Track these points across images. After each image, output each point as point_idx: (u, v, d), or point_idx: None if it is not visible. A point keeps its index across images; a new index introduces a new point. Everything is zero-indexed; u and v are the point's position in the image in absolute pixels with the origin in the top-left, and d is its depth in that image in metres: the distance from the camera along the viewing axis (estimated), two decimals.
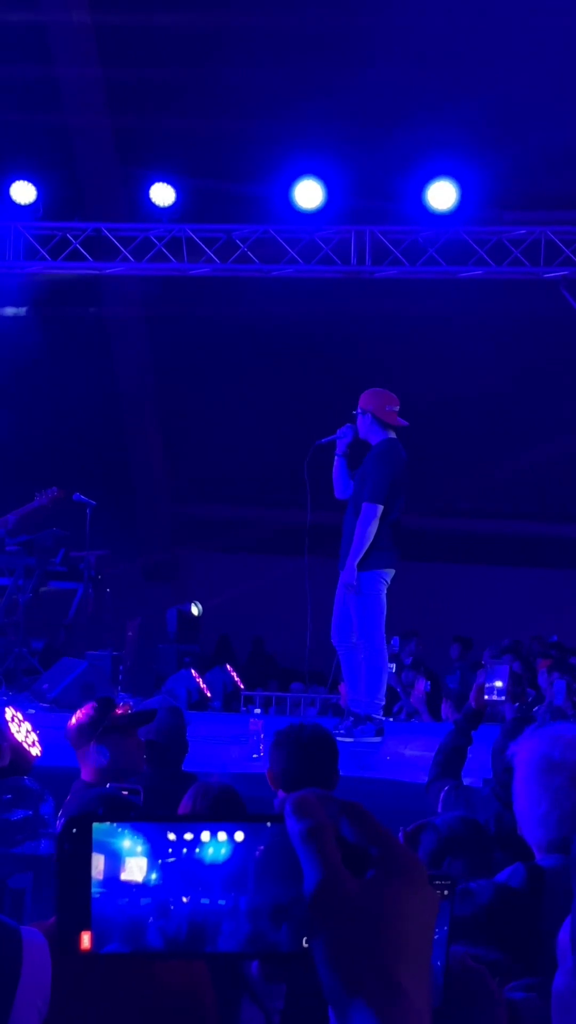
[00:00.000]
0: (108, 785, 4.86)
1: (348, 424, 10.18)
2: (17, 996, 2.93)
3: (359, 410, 10.07)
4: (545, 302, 14.44)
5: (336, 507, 10.24)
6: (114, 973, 3.45)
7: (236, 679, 15.22)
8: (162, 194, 14.21)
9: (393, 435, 10.01)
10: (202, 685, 14.02)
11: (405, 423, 10.03)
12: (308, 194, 13.89)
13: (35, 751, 6.52)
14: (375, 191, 14.28)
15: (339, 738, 9.43)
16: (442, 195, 13.75)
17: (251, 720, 9.51)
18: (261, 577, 18.54)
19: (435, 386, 16.48)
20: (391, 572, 9.95)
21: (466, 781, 8.26)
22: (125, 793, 4.48)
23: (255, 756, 8.99)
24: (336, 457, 10.29)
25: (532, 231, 13.93)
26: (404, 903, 1.09)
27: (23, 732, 6.51)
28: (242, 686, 14.85)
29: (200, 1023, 3.60)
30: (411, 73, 14.47)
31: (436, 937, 2.43)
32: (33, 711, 10.76)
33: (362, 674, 9.99)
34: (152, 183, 14.24)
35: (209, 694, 14.14)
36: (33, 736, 6.71)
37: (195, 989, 3.62)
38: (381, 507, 9.75)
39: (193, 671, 14.18)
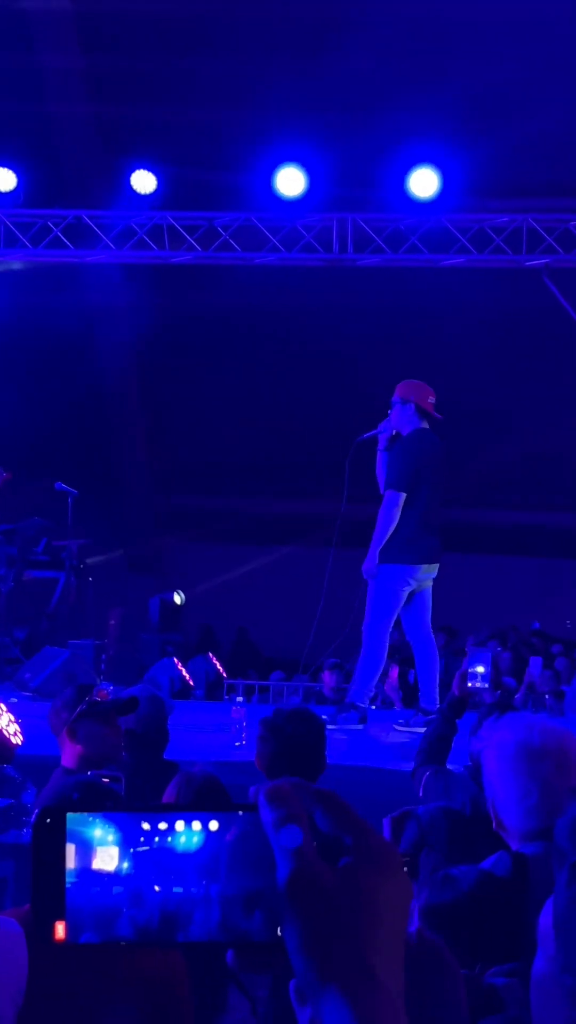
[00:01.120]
0: (89, 773, 4.85)
1: (386, 419, 10.18)
2: None
3: (398, 398, 10.09)
4: (527, 290, 14.43)
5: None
6: (90, 962, 3.44)
7: (219, 668, 15.22)
8: (143, 181, 14.17)
9: (427, 426, 10.05)
10: (185, 674, 14.02)
11: (440, 417, 10.08)
12: (290, 182, 13.86)
13: (17, 740, 6.52)
14: (357, 179, 14.25)
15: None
16: (424, 183, 13.75)
17: (234, 708, 9.51)
18: (243, 567, 18.53)
19: (417, 374, 16.46)
20: (419, 568, 9.88)
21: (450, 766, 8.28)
22: (106, 781, 4.48)
23: (238, 744, 9.01)
24: (379, 452, 10.27)
25: (514, 219, 13.93)
26: (378, 891, 1.09)
27: (5, 721, 6.51)
28: (225, 675, 14.85)
29: (176, 1011, 3.60)
30: (393, 60, 14.44)
31: None
32: (15, 700, 10.76)
33: (359, 664, 10.02)
34: (133, 170, 14.20)
35: (192, 683, 14.14)
36: (15, 725, 6.70)
37: (171, 977, 3.62)
38: (404, 495, 9.74)
39: (176, 660, 14.18)
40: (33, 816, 5.39)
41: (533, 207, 14.03)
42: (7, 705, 7.02)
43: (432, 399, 10.09)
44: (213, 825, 1.16)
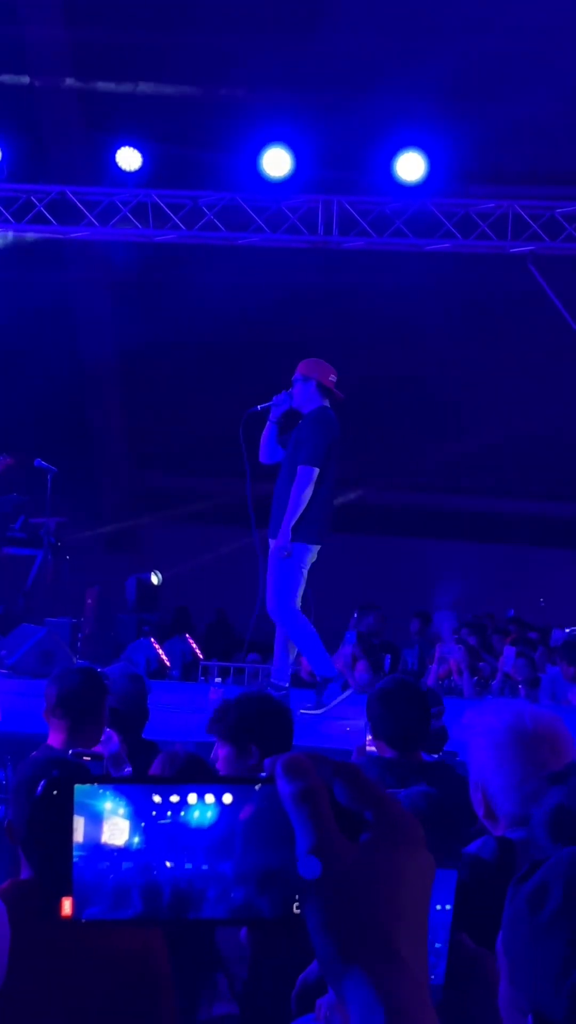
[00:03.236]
0: (71, 752, 4.82)
1: (285, 392, 10.06)
2: None
3: (300, 376, 9.99)
4: (511, 276, 14.43)
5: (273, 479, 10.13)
6: (70, 937, 3.42)
7: (195, 649, 15.20)
8: (128, 159, 14.10)
9: (328, 404, 9.97)
10: (161, 654, 13.99)
11: (342, 395, 10.00)
12: (276, 162, 13.81)
13: None
14: (343, 161, 14.21)
15: (309, 712, 9.47)
16: (411, 166, 13.71)
17: (211, 688, 9.49)
18: (220, 548, 18.50)
19: (399, 359, 16.47)
20: (317, 548, 9.84)
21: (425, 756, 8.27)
22: (87, 759, 4.44)
23: None
24: (268, 423, 10.16)
25: (500, 205, 13.91)
26: (401, 867, 1.06)
27: None
28: (201, 656, 14.83)
29: (154, 987, 3.59)
30: (381, 42, 14.39)
31: (440, 915, 2.39)
32: None
33: (297, 645, 9.96)
34: (118, 147, 14.12)
35: (168, 663, 14.11)
36: None
37: (149, 952, 3.60)
38: (317, 470, 9.67)
39: (153, 640, 14.15)
40: (9, 793, 5.35)
41: (519, 193, 14.03)
42: None
43: (333, 377, 10.01)
44: (227, 799, 1.12)
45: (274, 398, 10.09)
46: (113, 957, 3.56)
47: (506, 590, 18.97)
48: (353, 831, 1.07)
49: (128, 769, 5.29)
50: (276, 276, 15.78)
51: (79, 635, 13.99)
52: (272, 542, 9.82)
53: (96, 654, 13.32)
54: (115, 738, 5.37)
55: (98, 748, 5.15)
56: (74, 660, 11.84)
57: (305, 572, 9.78)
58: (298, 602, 9.79)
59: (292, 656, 10.11)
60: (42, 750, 5.27)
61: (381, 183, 13.87)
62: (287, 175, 13.83)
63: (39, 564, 14.96)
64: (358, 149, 14.10)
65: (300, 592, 9.79)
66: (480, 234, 13.95)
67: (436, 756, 6.20)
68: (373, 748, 5.42)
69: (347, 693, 9.94)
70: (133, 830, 1.11)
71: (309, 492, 9.65)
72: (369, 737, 5.52)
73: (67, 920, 1.11)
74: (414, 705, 5.36)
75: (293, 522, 9.65)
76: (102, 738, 5.31)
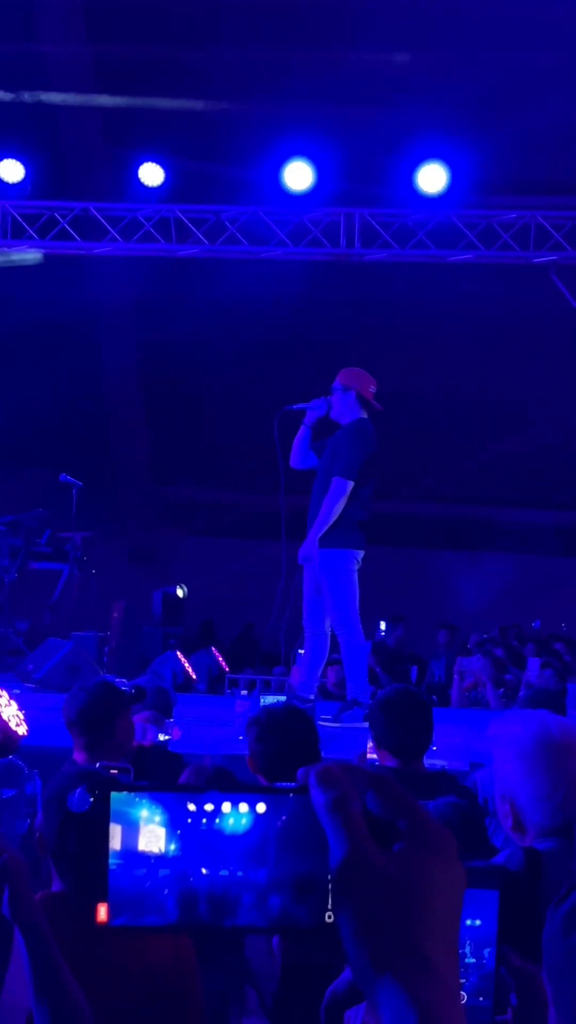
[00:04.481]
0: (98, 764, 4.83)
1: (323, 398, 10.02)
2: (9, 970, 2.92)
3: (339, 386, 9.94)
4: (534, 287, 14.41)
5: (307, 490, 10.11)
6: (101, 950, 3.44)
7: (221, 662, 15.20)
8: (151, 174, 14.14)
9: (366, 415, 9.92)
10: (187, 667, 13.99)
11: (380, 407, 9.96)
12: (298, 176, 13.83)
13: (21, 730, 6.49)
14: (365, 174, 14.22)
15: (326, 723, 9.43)
16: (432, 178, 13.72)
17: (238, 702, 9.48)
18: (245, 560, 18.51)
19: (423, 370, 16.47)
20: (361, 553, 9.81)
21: (451, 765, 8.27)
22: (114, 772, 4.45)
23: (241, 738, 8.97)
24: (303, 427, 10.13)
25: (522, 215, 13.90)
26: (433, 877, 1.06)
27: (9, 711, 6.48)
28: (227, 669, 14.82)
29: (184, 1000, 3.60)
30: (402, 55, 14.41)
31: (484, 935, 2.38)
32: (18, 691, 10.72)
33: (344, 659, 9.93)
34: (141, 163, 14.17)
35: (194, 676, 14.11)
36: (19, 716, 6.67)
37: (179, 967, 3.61)
38: (352, 483, 9.65)
39: (178, 653, 14.16)
40: (39, 807, 5.37)
41: (541, 204, 14.00)
42: (11, 696, 6.99)
43: (373, 388, 9.96)
44: (261, 807, 1.13)
45: (312, 402, 10.03)
46: (143, 970, 3.57)
47: (532, 601, 18.93)
48: (386, 840, 1.08)
49: None
50: (299, 289, 15.81)
51: (105, 649, 14.00)
52: (302, 548, 9.80)
53: (122, 668, 13.33)
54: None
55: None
56: (101, 674, 11.86)
57: (355, 578, 9.73)
58: (357, 610, 9.75)
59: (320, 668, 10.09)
60: (69, 764, 5.29)
61: (403, 195, 13.88)
62: (309, 188, 13.85)
63: (65, 578, 15.01)
64: (379, 161, 14.11)
65: (357, 598, 9.75)
66: (502, 245, 13.94)
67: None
68: (375, 756, 5.41)
69: (367, 724, 9.88)
70: (169, 837, 1.13)
71: (341, 505, 9.61)
72: (371, 745, 5.51)
73: (102, 926, 1.12)
74: (416, 714, 5.35)
75: (320, 533, 9.62)
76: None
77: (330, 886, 1.08)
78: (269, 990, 3.95)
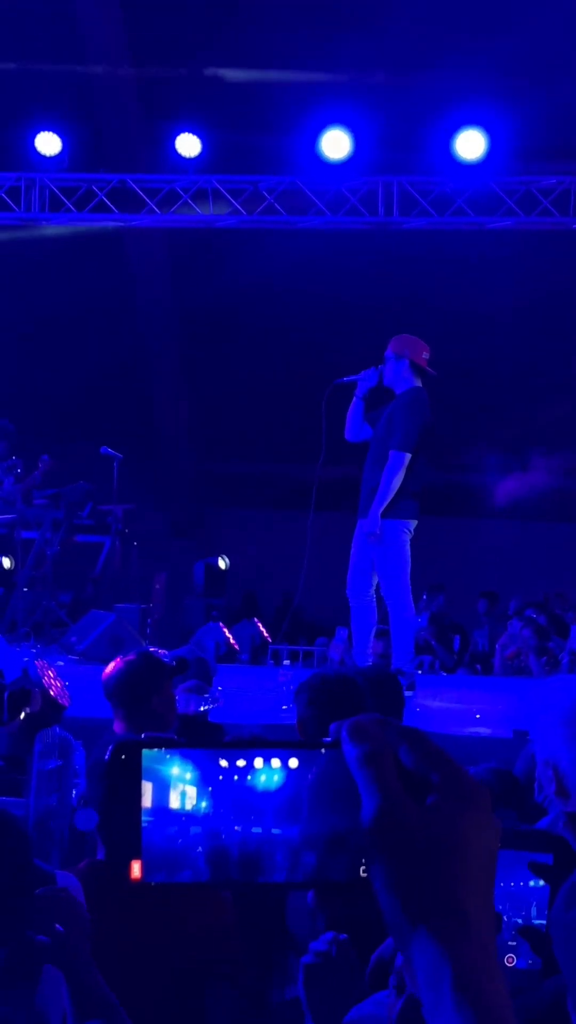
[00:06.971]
0: (143, 735, 4.86)
1: (372, 367, 9.92)
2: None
3: (391, 354, 9.81)
4: (575, 252, 14.31)
5: (349, 461, 10.05)
6: (146, 916, 3.46)
7: (264, 632, 15.23)
8: (188, 145, 14.10)
9: (420, 384, 9.81)
10: (230, 638, 14.03)
11: (434, 373, 9.85)
12: (335, 144, 13.76)
13: (65, 701, 6.52)
14: (403, 141, 14.13)
15: None
16: (471, 145, 13.63)
17: (280, 671, 9.50)
18: (286, 532, 18.49)
19: (464, 338, 16.36)
20: (414, 523, 9.74)
21: (495, 733, 8.27)
22: None
23: (285, 708, 8.99)
24: (355, 399, 10.01)
25: (562, 181, 13.80)
26: (467, 830, 1.06)
27: (53, 682, 6.52)
28: (269, 639, 14.85)
29: (226, 967, 3.62)
30: (439, 20, 14.28)
31: (538, 894, 2.38)
32: (62, 663, 10.79)
33: (392, 629, 9.89)
34: (177, 134, 14.13)
35: (237, 647, 14.15)
36: (62, 686, 6.71)
37: (222, 935, 3.64)
38: (409, 455, 9.55)
39: (221, 624, 14.20)
40: (82, 778, 5.41)
41: None
42: (54, 668, 7.03)
43: (427, 355, 9.83)
44: (293, 763, 1.13)
45: (362, 373, 9.90)
46: (187, 937, 3.59)
47: (572, 570, 18.83)
48: (419, 794, 1.07)
49: None
50: (337, 259, 15.76)
51: (148, 620, 14.05)
52: (362, 523, 9.73)
53: (165, 639, 13.38)
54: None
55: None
56: (143, 645, 11.91)
57: (408, 548, 9.66)
58: (408, 581, 9.68)
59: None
60: (109, 735, 5.32)
61: (441, 162, 13.80)
62: (346, 157, 13.78)
63: (107, 551, 15.05)
64: (417, 129, 14.02)
65: (408, 569, 9.68)
66: (542, 211, 13.85)
67: None
68: None
69: (410, 693, 9.85)
70: (200, 795, 1.12)
71: (400, 478, 9.51)
72: None
73: (136, 884, 1.12)
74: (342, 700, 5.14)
75: (382, 508, 9.52)
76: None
77: (363, 840, 1.08)
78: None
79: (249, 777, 1.12)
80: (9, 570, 14.33)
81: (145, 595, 15.55)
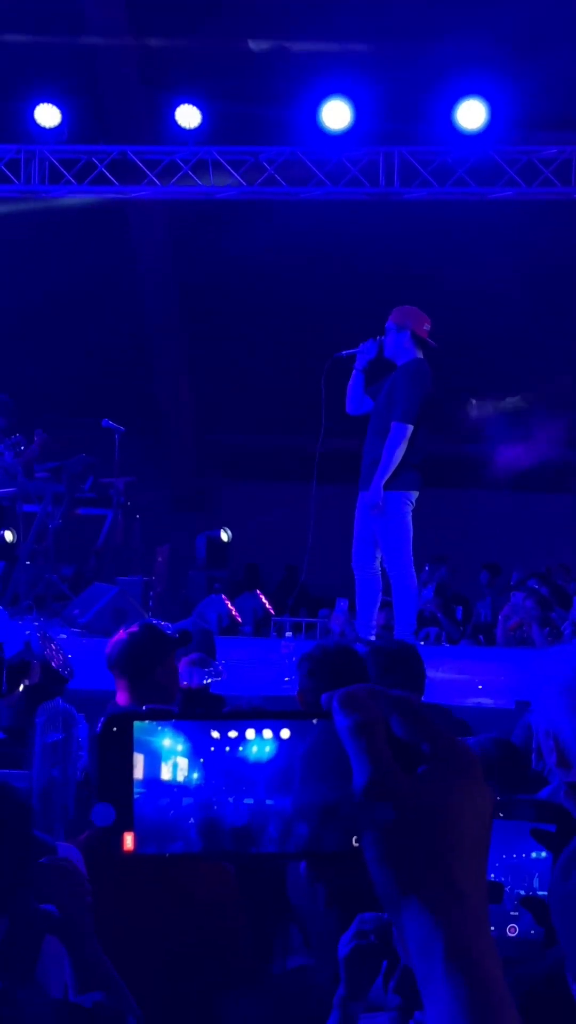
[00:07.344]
0: (144, 707, 4.86)
1: (372, 340, 9.88)
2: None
3: (392, 325, 9.77)
4: None
5: (349, 433, 10.03)
6: (147, 886, 3.47)
7: (266, 604, 15.25)
8: (188, 116, 14.05)
9: (421, 355, 9.78)
10: (233, 610, 14.05)
11: (435, 344, 9.82)
12: (336, 115, 13.71)
13: (67, 673, 6.53)
14: (404, 111, 14.07)
15: None
16: (472, 115, 13.57)
17: (283, 643, 9.52)
18: (289, 504, 18.48)
19: (465, 309, 16.31)
20: (416, 494, 9.72)
21: (497, 703, 8.28)
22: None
23: (287, 679, 9.00)
24: (355, 372, 9.98)
25: (563, 150, 13.75)
26: (459, 800, 1.05)
27: (55, 655, 6.52)
28: (272, 612, 14.87)
29: (228, 937, 3.63)
30: None
31: (541, 865, 2.38)
32: (64, 636, 10.80)
33: (395, 601, 9.89)
34: (177, 105, 14.08)
35: (240, 619, 14.17)
36: (65, 659, 6.71)
37: (223, 905, 3.65)
38: (411, 427, 9.53)
39: (224, 596, 14.22)
40: (84, 751, 5.42)
41: None
42: (57, 640, 7.03)
43: (428, 326, 9.79)
44: (285, 733, 1.13)
45: (360, 345, 9.87)
46: (188, 907, 3.60)
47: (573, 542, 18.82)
48: (410, 764, 1.07)
49: None
50: (338, 230, 15.70)
51: (150, 593, 14.06)
52: (364, 495, 9.72)
53: (167, 612, 13.40)
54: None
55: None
56: (146, 618, 11.92)
57: (410, 520, 9.65)
58: (411, 552, 9.67)
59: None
60: (111, 706, 5.33)
61: (442, 132, 13.74)
62: (347, 127, 13.72)
63: (109, 524, 15.05)
64: (418, 99, 13.95)
65: (411, 540, 9.66)
66: (543, 181, 13.80)
67: None
68: None
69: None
70: (192, 766, 1.12)
71: (403, 450, 9.50)
72: None
73: (128, 855, 1.12)
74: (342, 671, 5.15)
75: (384, 479, 9.51)
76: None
77: (355, 811, 1.07)
78: (313, 929, 3.97)
79: (241, 748, 1.12)
80: (11, 543, 14.32)
81: (147, 568, 15.55)
